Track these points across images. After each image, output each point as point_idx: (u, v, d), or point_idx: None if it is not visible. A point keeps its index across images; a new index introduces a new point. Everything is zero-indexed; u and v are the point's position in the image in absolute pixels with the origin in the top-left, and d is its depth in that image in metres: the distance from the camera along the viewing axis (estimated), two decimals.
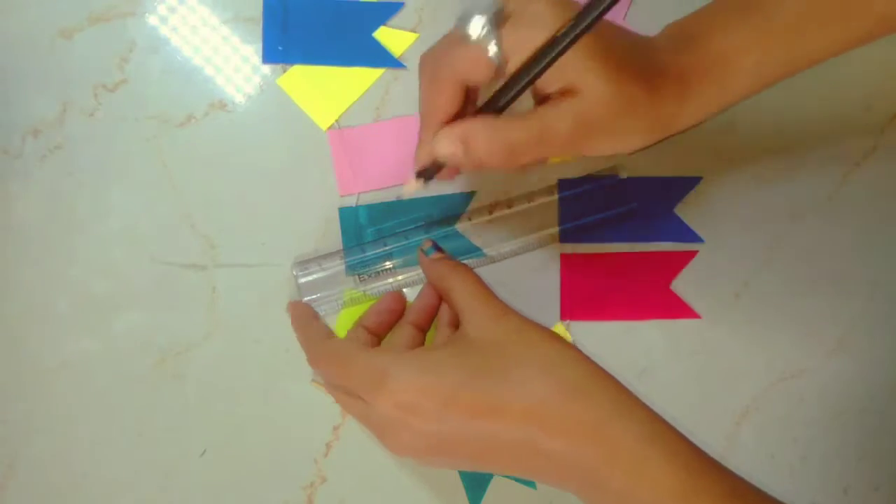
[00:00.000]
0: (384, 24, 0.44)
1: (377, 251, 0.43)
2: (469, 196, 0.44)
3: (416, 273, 0.43)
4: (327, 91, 0.44)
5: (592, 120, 0.32)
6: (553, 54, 0.30)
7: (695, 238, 0.44)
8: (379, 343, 0.40)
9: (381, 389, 0.33)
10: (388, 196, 0.44)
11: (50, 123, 0.43)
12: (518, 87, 0.32)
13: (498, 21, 0.30)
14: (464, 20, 0.31)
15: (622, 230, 0.44)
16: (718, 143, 0.44)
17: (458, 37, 0.32)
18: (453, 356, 0.34)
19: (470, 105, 0.35)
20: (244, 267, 0.44)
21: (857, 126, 0.44)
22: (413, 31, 0.44)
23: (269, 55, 0.44)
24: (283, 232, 0.44)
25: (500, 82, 0.33)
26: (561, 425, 0.31)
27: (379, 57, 0.44)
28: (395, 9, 0.44)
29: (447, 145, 0.33)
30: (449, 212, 0.44)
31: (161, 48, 0.44)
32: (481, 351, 0.34)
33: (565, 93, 0.32)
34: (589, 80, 0.31)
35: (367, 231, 0.44)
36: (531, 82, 0.31)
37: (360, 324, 0.40)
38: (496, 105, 0.33)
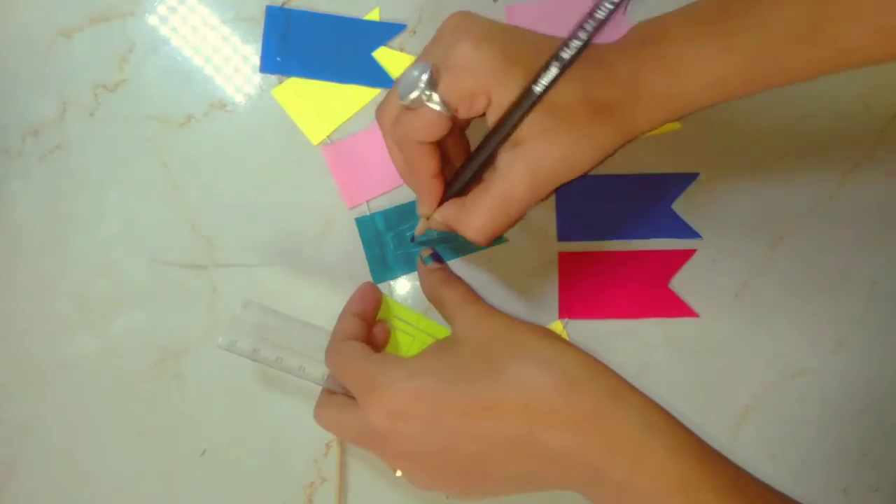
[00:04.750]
0: (384, 45, 0.44)
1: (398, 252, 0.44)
2: None
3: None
4: (321, 106, 0.44)
5: (545, 166, 0.33)
6: (506, 129, 0.32)
7: (693, 234, 0.44)
8: (369, 329, 0.40)
9: (372, 397, 0.32)
10: (397, 198, 0.44)
11: (50, 123, 0.43)
12: (476, 164, 0.35)
13: (434, 79, 0.32)
14: (404, 91, 0.33)
15: (620, 227, 0.44)
16: (717, 140, 0.44)
17: (404, 106, 0.33)
18: (442, 359, 0.33)
19: (452, 135, 0.36)
20: (244, 267, 0.44)
21: (858, 125, 0.44)
22: (412, 30, 0.44)
23: (267, 65, 0.44)
24: (283, 232, 0.44)
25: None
26: (557, 418, 0.30)
27: (376, 77, 0.44)
28: (396, 30, 0.44)
29: (437, 226, 0.38)
30: None
31: (161, 48, 0.44)
32: (471, 351, 0.33)
33: (512, 142, 0.33)
34: (530, 127, 0.32)
35: (387, 236, 0.44)
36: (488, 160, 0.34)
37: (347, 311, 0.41)
38: (465, 178, 0.36)
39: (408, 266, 0.44)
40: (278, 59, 0.44)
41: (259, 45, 0.44)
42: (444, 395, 0.31)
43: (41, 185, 0.43)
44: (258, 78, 0.44)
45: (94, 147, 0.43)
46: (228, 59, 0.44)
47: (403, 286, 0.44)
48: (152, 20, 0.44)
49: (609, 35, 0.44)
